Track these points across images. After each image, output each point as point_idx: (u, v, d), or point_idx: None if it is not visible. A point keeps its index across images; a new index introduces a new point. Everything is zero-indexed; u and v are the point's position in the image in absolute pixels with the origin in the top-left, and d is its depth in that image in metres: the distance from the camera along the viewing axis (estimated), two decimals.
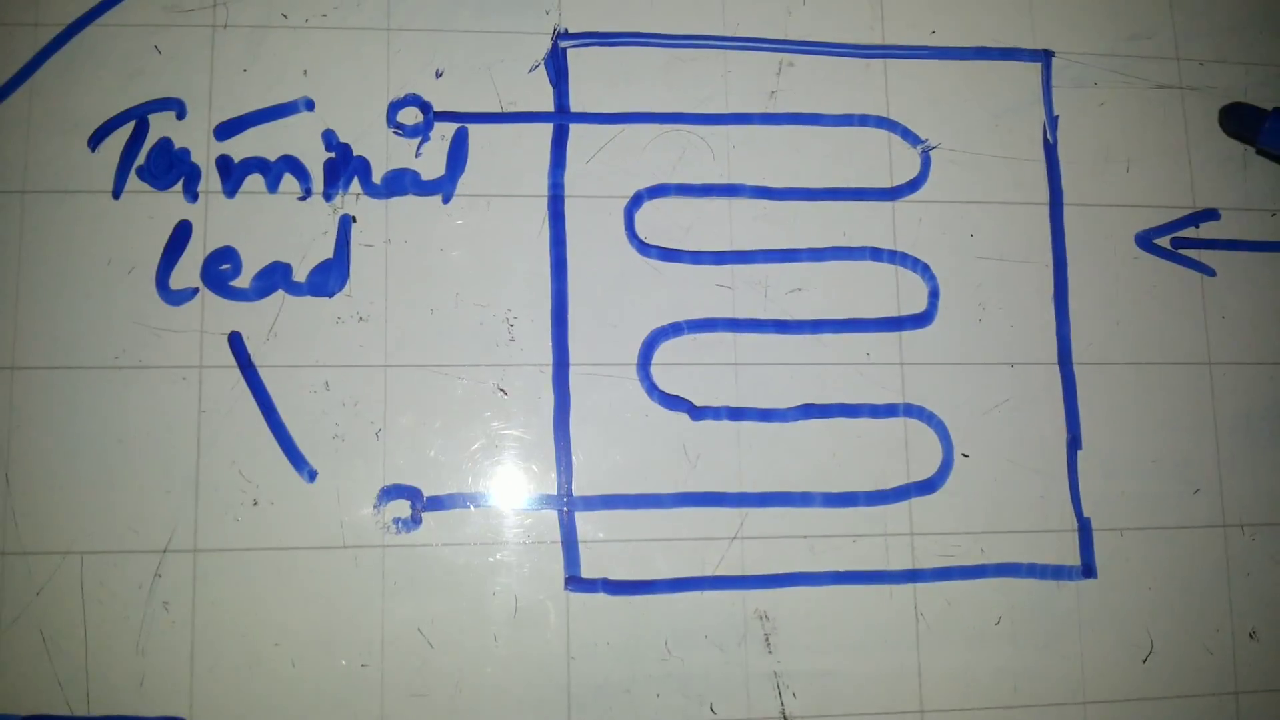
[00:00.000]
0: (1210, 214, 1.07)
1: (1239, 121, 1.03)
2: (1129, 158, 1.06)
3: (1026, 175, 1.04)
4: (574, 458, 0.94)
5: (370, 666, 0.89)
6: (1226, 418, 1.04)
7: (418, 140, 0.96)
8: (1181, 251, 1.06)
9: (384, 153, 0.96)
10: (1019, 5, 1.07)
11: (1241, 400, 1.05)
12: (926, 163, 1.03)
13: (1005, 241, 1.03)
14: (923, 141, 1.03)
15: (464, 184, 0.97)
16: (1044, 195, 1.04)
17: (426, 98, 0.97)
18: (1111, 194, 1.05)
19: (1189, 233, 1.06)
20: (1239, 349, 1.06)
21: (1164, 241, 1.06)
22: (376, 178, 0.95)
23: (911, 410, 0.99)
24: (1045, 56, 1.06)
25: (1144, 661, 0.99)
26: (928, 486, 0.98)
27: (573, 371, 0.95)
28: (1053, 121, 1.05)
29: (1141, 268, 1.05)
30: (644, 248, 0.98)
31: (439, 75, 0.98)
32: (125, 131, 0.94)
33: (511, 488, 0.93)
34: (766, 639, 0.94)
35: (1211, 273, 1.06)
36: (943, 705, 0.96)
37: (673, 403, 0.96)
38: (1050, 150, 1.05)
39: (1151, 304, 1.05)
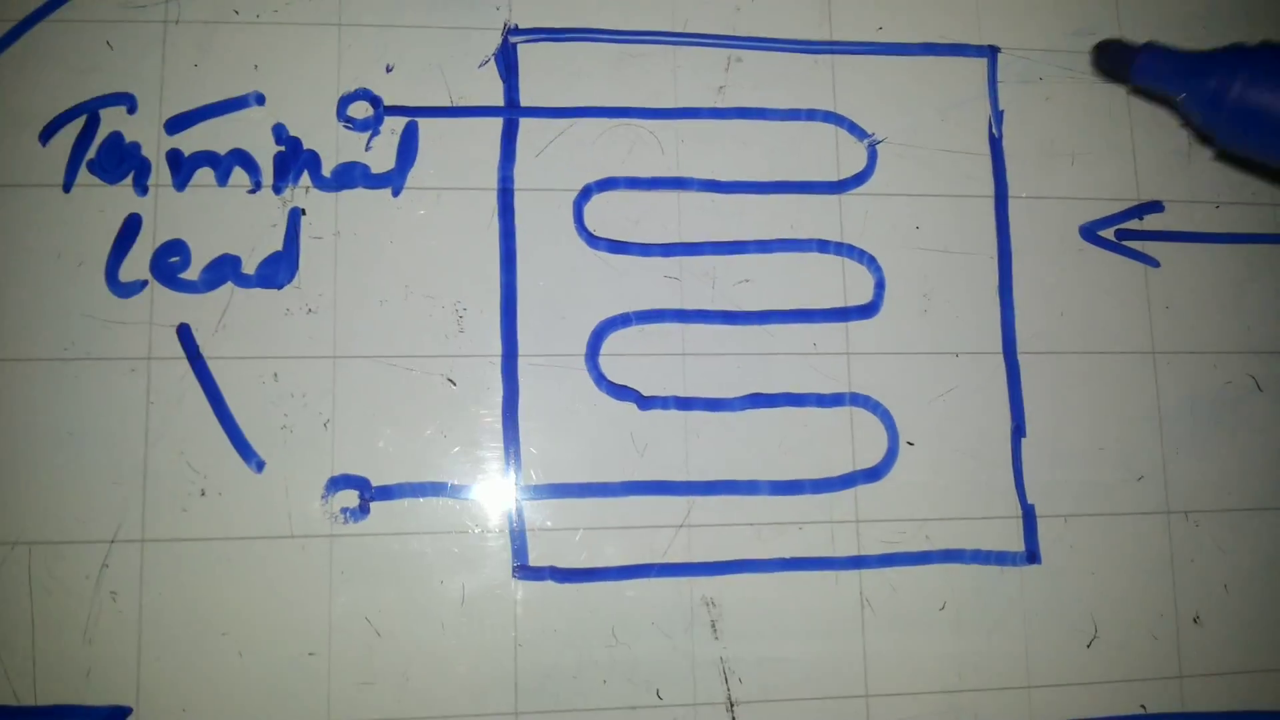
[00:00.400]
0: (1154, 206, 1.08)
1: (1111, 59, 1.00)
2: (1074, 151, 1.08)
3: (972, 169, 1.06)
4: (522, 447, 0.95)
5: (317, 655, 0.90)
6: (1170, 406, 1.06)
7: (368, 134, 0.97)
8: (1126, 243, 1.07)
9: (334, 146, 0.97)
10: (965, 2, 1.09)
11: (1185, 389, 1.06)
12: (873, 156, 1.04)
13: (951, 234, 1.04)
14: (869, 136, 1.04)
15: (414, 177, 0.98)
16: (989, 188, 1.06)
17: (377, 92, 0.98)
18: (1056, 187, 1.07)
19: (1133, 225, 1.08)
20: (1183, 339, 1.07)
21: (1108, 233, 1.07)
22: (326, 171, 0.96)
23: (858, 399, 1.00)
24: (991, 52, 1.08)
25: (1088, 646, 1.01)
26: (873, 474, 0.99)
27: (521, 362, 0.96)
28: (998, 116, 1.07)
29: (1086, 259, 1.06)
30: (593, 240, 0.99)
31: (389, 70, 0.99)
32: (76, 126, 0.95)
33: (460, 477, 0.94)
34: (713, 625, 0.95)
35: (1156, 264, 1.07)
36: (888, 689, 0.97)
37: (621, 392, 0.97)
38: (996, 144, 1.07)
39: (1096, 295, 1.06)
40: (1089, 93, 1.10)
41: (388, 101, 0.99)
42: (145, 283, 0.93)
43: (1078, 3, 1.11)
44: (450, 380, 0.96)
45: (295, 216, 0.96)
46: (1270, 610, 1.05)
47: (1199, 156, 1.11)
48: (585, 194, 1.00)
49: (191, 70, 0.97)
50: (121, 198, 0.95)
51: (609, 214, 1.00)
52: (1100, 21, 1.11)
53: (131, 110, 0.96)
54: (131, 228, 0.94)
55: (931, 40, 1.08)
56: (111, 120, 0.96)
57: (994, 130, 1.07)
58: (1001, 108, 1.08)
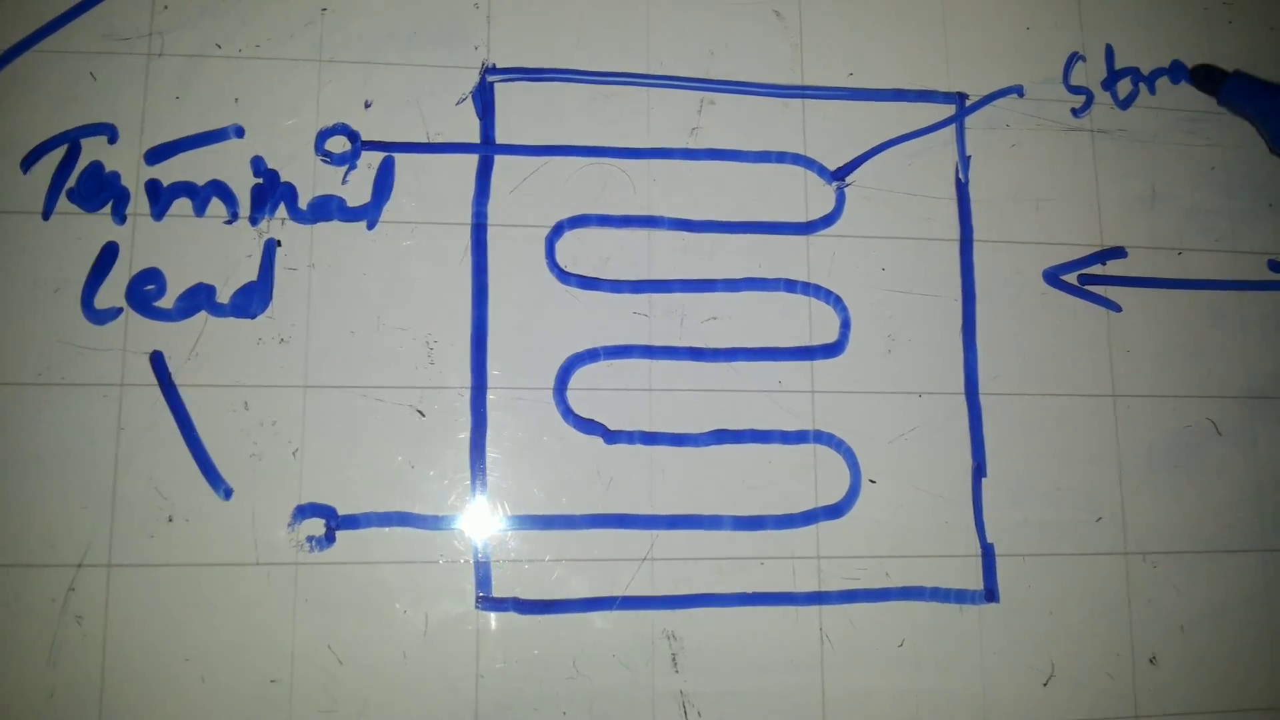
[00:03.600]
0: (1117, 252, 1.10)
1: (1204, 80, 1.14)
2: (1039, 197, 1.10)
3: (938, 212, 1.08)
4: (489, 478, 0.97)
5: (280, 682, 0.91)
6: (1130, 449, 1.07)
7: (345, 168, 0.99)
8: (1088, 288, 1.09)
9: (311, 179, 0.99)
10: (935, 49, 1.11)
11: (1145, 432, 1.08)
12: (841, 199, 1.06)
13: (916, 276, 1.06)
14: (838, 179, 1.06)
15: (389, 211, 0.99)
16: (955, 232, 1.08)
17: (355, 127, 1.00)
18: (1021, 231, 1.09)
19: (1096, 270, 1.10)
20: (1143, 383, 1.09)
21: (1071, 278, 1.09)
22: (303, 203, 0.98)
23: (821, 437, 1.02)
24: (959, 99, 1.10)
25: (1045, 685, 1.02)
26: (835, 511, 1.01)
27: (490, 394, 0.98)
28: (965, 161, 1.09)
29: (1049, 303, 1.08)
30: (564, 276, 1.01)
31: (368, 106, 1.01)
32: (57, 155, 0.96)
33: (426, 507, 0.96)
34: (674, 659, 0.97)
35: (1118, 308, 1.09)
36: None
37: (588, 426, 0.99)
38: (962, 189, 1.09)
39: (1058, 338, 1.08)
40: (1055, 140, 1.12)
41: (365, 136, 1.01)
42: (120, 310, 0.95)
43: (1044, 51, 1.14)
44: (419, 411, 0.97)
45: (270, 247, 0.97)
46: (1226, 651, 1.07)
47: (1162, 203, 1.13)
48: (557, 230, 1.02)
49: (173, 102, 0.99)
50: (100, 226, 0.96)
51: (580, 250, 1.02)
52: (1066, 70, 1.13)
53: (112, 140, 0.98)
54: (109, 256, 0.95)
55: (901, 86, 1.10)
56: (92, 150, 0.97)
57: (960, 175, 1.09)
58: (968, 153, 1.10)
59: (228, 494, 0.93)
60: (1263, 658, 1.07)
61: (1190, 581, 1.07)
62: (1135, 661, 1.04)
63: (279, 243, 0.97)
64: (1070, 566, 1.05)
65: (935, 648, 1.01)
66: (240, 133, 0.99)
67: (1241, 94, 1.12)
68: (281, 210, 0.98)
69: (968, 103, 1.10)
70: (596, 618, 0.97)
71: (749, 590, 0.99)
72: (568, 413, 0.99)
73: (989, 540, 1.03)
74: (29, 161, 0.96)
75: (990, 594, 1.02)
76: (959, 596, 1.02)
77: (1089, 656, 1.04)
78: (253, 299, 0.96)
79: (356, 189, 0.99)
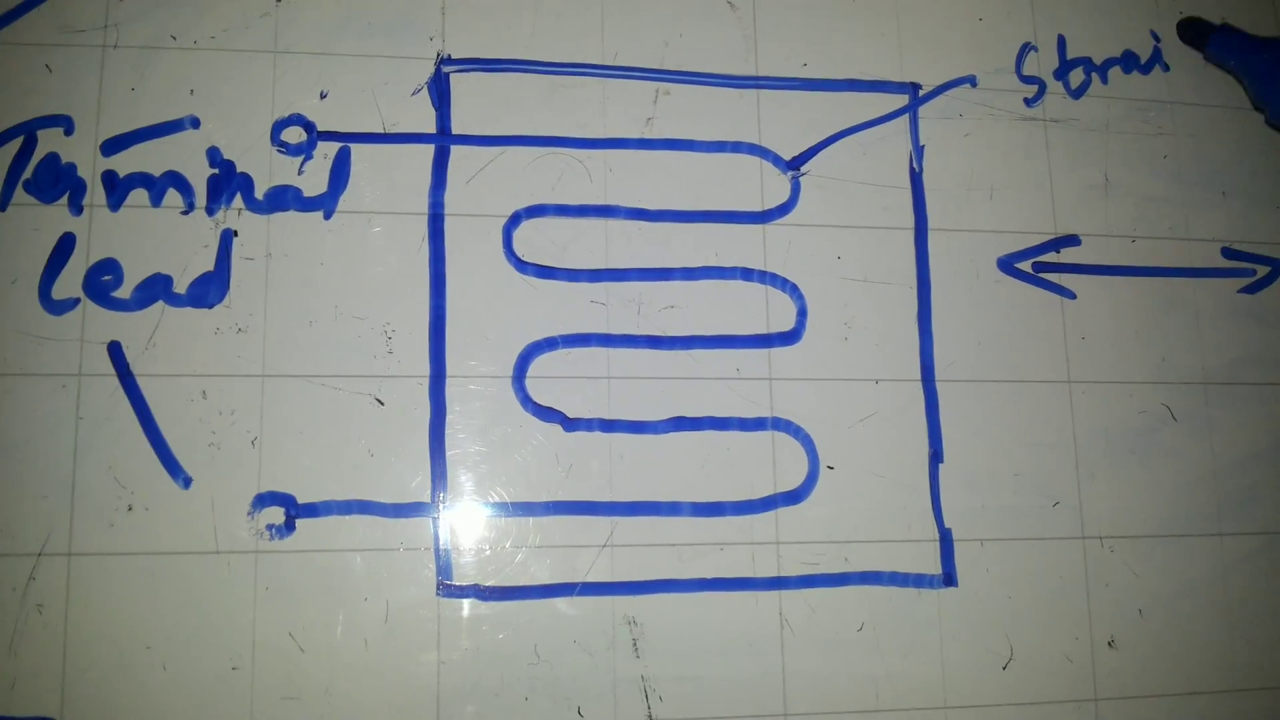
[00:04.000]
0: (1071, 240, 1.12)
1: (1191, 33, 1.17)
2: (992, 185, 1.11)
3: (893, 201, 1.09)
4: (448, 466, 0.97)
5: (241, 670, 0.92)
6: (1085, 434, 1.09)
7: (301, 158, 1.00)
8: (1042, 275, 1.11)
9: (267, 170, 0.99)
10: (888, 40, 1.12)
11: (1100, 418, 1.09)
12: (796, 188, 1.07)
13: (871, 264, 1.07)
14: (793, 168, 1.07)
15: (346, 201, 1.00)
16: (909, 220, 1.09)
17: (310, 118, 1.01)
18: (975, 220, 1.10)
19: (1050, 257, 1.11)
20: (1098, 369, 1.10)
21: (1026, 265, 1.10)
22: (259, 194, 0.98)
23: (779, 424, 1.03)
24: (913, 89, 1.11)
25: (1004, 668, 1.03)
26: (794, 497, 1.02)
27: (449, 383, 0.99)
28: (919, 151, 1.10)
29: (1003, 290, 1.10)
30: (521, 265, 1.01)
31: (324, 96, 1.01)
32: (13, 146, 0.97)
33: (386, 495, 0.96)
34: (635, 644, 0.97)
35: (1072, 295, 1.11)
36: (806, 709, 0.99)
37: (546, 414, 0.99)
38: (916, 178, 1.10)
39: (1013, 325, 1.09)
40: (1008, 129, 1.13)
41: (321, 127, 1.01)
42: (78, 300, 0.95)
43: (997, 42, 1.15)
44: (378, 400, 0.98)
45: (227, 238, 0.98)
46: (1183, 634, 1.08)
47: (1116, 192, 1.15)
48: (514, 220, 1.03)
49: (128, 94, 0.99)
50: (56, 217, 0.96)
51: (537, 240, 1.03)
52: (1019, 60, 1.15)
53: (69, 132, 0.98)
54: (66, 246, 0.96)
55: (855, 77, 1.11)
56: (49, 141, 0.98)
57: (915, 164, 1.11)
58: (922, 143, 1.11)
59: (187, 483, 0.93)
60: (1220, 640, 1.08)
61: (1148, 565, 1.08)
62: (1094, 644, 1.06)
63: (236, 233, 0.98)
64: (1028, 551, 1.06)
65: (894, 631, 1.02)
66: (196, 124, 0.99)
67: (1229, 47, 1.15)
68: (238, 200, 0.98)
69: (921, 93, 1.11)
70: (558, 604, 0.97)
71: (709, 576, 1.00)
72: (527, 401, 0.99)
73: (947, 525, 1.04)
74: None
75: (948, 578, 1.03)
76: (917, 581, 1.03)
77: (1047, 640, 1.05)
78: (210, 289, 0.96)
79: (313, 179, 1.00)
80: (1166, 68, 1.18)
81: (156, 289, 0.96)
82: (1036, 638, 1.05)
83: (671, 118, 1.07)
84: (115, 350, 0.94)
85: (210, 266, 0.97)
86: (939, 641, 1.03)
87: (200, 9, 1.01)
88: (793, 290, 1.05)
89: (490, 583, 0.97)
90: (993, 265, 1.10)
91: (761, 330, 1.04)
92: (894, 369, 1.06)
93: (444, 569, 0.96)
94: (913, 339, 1.07)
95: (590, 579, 0.98)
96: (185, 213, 0.98)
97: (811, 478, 1.03)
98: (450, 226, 1.01)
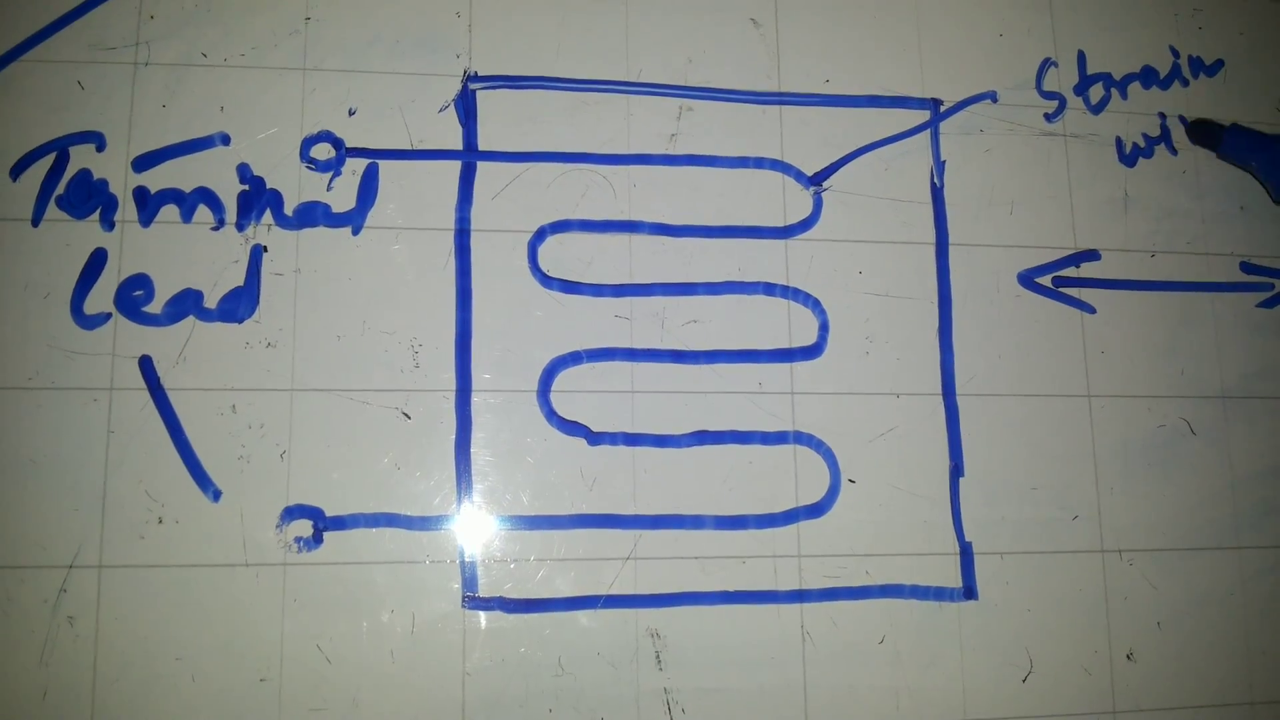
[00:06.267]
0: (1091, 254, 1.12)
1: (1203, 134, 1.16)
2: (1013, 200, 1.12)
3: (914, 216, 1.10)
4: (474, 479, 0.98)
5: (269, 681, 0.93)
6: (1105, 448, 1.09)
7: (329, 175, 1.01)
8: (1062, 290, 1.11)
9: (296, 186, 1.00)
10: (909, 56, 1.13)
11: (1119, 431, 1.10)
12: (818, 204, 1.08)
13: (892, 279, 1.08)
14: (816, 184, 1.08)
15: (373, 217, 1.01)
16: (930, 235, 1.10)
17: (339, 134, 1.02)
18: (995, 235, 1.11)
19: (1070, 272, 1.12)
20: (1117, 383, 1.11)
21: (1046, 280, 1.11)
22: (288, 210, 0.99)
23: (801, 438, 1.04)
24: (934, 104, 1.12)
25: (1023, 681, 1.04)
26: (815, 510, 1.03)
27: (475, 397, 1.00)
28: (940, 166, 1.11)
29: (1024, 305, 1.10)
30: (546, 280, 1.02)
31: (352, 113, 1.02)
32: (46, 163, 0.98)
33: (412, 508, 0.97)
34: (658, 656, 0.98)
35: (1092, 310, 1.11)
36: None
37: (571, 428, 1.00)
38: (937, 193, 1.11)
39: (1033, 339, 1.10)
40: (1028, 144, 1.14)
41: (350, 144, 1.02)
42: (109, 315, 0.96)
43: (1017, 58, 1.16)
44: (405, 414, 0.99)
45: (257, 253, 0.99)
46: (1201, 647, 1.09)
47: (1135, 207, 1.15)
48: (540, 235, 1.04)
49: (159, 110, 1.00)
50: (88, 232, 0.98)
51: (562, 255, 1.04)
52: (1039, 77, 1.15)
53: (100, 148, 0.99)
54: (97, 262, 0.97)
55: (876, 93, 1.12)
56: (81, 158, 0.99)
57: (935, 180, 1.11)
58: (943, 158, 1.12)
59: (216, 496, 0.94)
60: (1238, 653, 1.09)
61: (1166, 578, 1.08)
62: (1113, 657, 1.06)
63: (265, 248, 0.99)
64: (1048, 564, 1.07)
65: (915, 644, 1.03)
66: (226, 140, 1.00)
67: (1241, 146, 1.15)
68: (268, 216, 0.99)
69: (942, 108, 1.12)
70: (581, 616, 0.98)
71: (731, 588, 1.01)
72: (551, 414, 1.00)
73: (967, 539, 1.05)
74: (18, 169, 0.97)
75: (969, 591, 1.04)
76: (938, 594, 1.04)
77: (1067, 652, 1.06)
78: (240, 304, 0.97)
79: (341, 195, 1.01)
80: (1186, 83, 1.19)
81: (187, 304, 0.97)
82: (1056, 650, 1.06)
83: (695, 134, 1.08)
84: (146, 364, 0.95)
85: (240, 282, 0.98)
86: (959, 654, 1.03)
87: (229, 27, 1.02)
88: (814, 305, 1.06)
89: (515, 595, 0.98)
90: (1013, 280, 1.11)
91: (784, 344, 1.05)
92: (915, 383, 1.07)
93: (469, 581, 0.97)
94: (933, 353, 1.08)
95: (614, 591, 0.99)
96: (215, 229, 0.99)
97: (833, 491, 1.03)
98: (476, 242, 1.02)
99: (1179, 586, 1.09)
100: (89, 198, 0.98)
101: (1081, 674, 1.06)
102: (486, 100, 1.05)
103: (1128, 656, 1.06)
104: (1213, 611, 1.10)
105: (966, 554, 1.05)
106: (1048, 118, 1.15)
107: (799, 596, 1.01)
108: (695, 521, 1.01)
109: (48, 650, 0.91)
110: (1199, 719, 1.08)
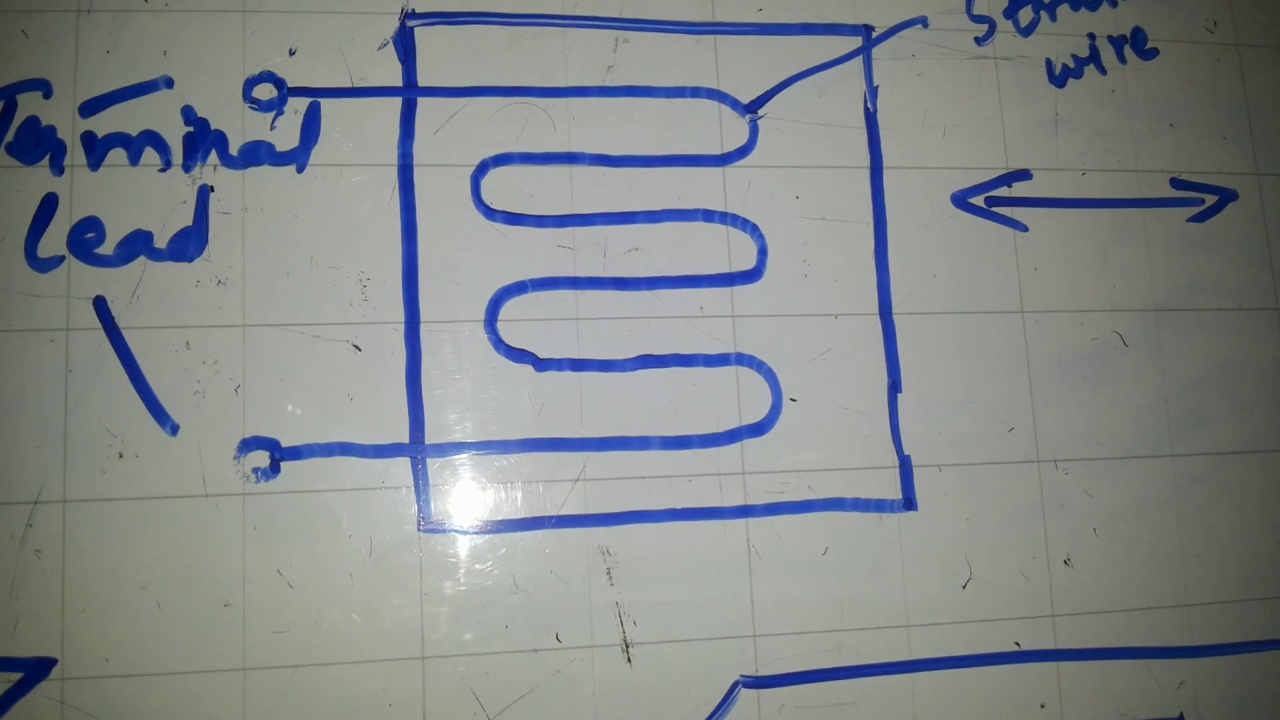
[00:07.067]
0: (1022, 174, 1.15)
1: None
2: (945, 124, 1.15)
3: (849, 141, 1.12)
4: (425, 408, 1.01)
5: (232, 606, 0.96)
6: (1039, 362, 1.13)
7: (273, 114, 1.03)
8: (995, 209, 1.14)
9: (240, 126, 1.02)
10: None
11: (1052, 346, 1.14)
12: (754, 131, 1.11)
13: (829, 203, 1.11)
14: (751, 111, 1.11)
15: (317, 155, 1.03)
16: (865, 160, 1.12)
17: (281, 74, 1.04)
18: (929, 157, 1.14)
19: (1002, 192, 1.15)
20: (1050, 298, 1.14)
21: (979, 200, 1.14)
22: (233, 150, 1.02)
23: (743, 359, 1.07)
24: (866, 31, 1.14)
25: (964, 587, 1.08)
26: (758, 429, 1.06)
27: (423, 328, 1.02)
28: (873, 91, 1.14)
29: (957, 225, 1.14)
30: (489, 212, 1.05)
31: (293, 53, 1.04)
32: None
33: (366, 437, 1.00)
34: (609, 572, 1.02)
35: (1024, 228, 1.15)
36: (774, 629, 1.04)
37: (518, 356, 1.03)
38: (871, 118, 1.13)
39: (967, 258, 1.13)
40: (960, 68, 1.17)
41: (291, 83, 1.04)
42: (63, 258, 0.98)
43: None
44: (355, 346, 1.01)
45: (204, 193, 1.01)
46: (1137, 552, 1.13)
47: (1065, 127, 1.18)
48: (482, 169, 1.06)
49: (103, 56, 1.02)
50: (39, 178, 0.99)
51: (505, 188, 1.06)
52: (966, 1, 1.18)
53: (47, 95, 1.01)
54: (49, 206, 0.99)
55: (809, 20, 1.14)
56: (28, 105, 1.00)
57: (869, 105, 1.14)
58: (876, 83, 1.14)
59: (174, 430, 0.97)
60: (1173, 557, 1.13)
61: (1101, 486, 1.12)
62: (1050, 563, 1.10)
63: (212, 188, 1.01)
64: (985, 475, 1.10)
65: (857, 555, 1.07)
66: (170, 84, 1.02)
67: None
68: (213, 157, 1.01)
69: (874, 35, 1.14)
70: (534, 536, 1.02)
71: (678, 506, 1.04)
72: (499, 343, 1.03)
73: (906, 452, 1.09)
74: None
75: (909, 503, 1.08)
76: (879, 506, 1.07)
77: (1005, 559, 1.10)
78: (189, 243, 1.00)
79: (285, 134, 1.03)
80: (1114, 3, 1.21)
81: (138, 245, 0.99)
82: (995, 558, 1.10)
83: (631, 65, 1.10)
84: (101, 305, 0.98)
85: (189, 221, 1.00)
86: (900, 563, 1.07)
87: None
88: (753, 230, 1.09)
89: (469, 517, 1.01)
90: (946, 201, 1.13)
91: (724, 270, 1.08)
92: (853, 303, 1.10)
93: (424, 506, 1.00)
94: (870, 274, 1.11)
95: (565, 512, 1.02)
96: (163, 170, 1.01)
97: (775, 410, 1.07)
98: (420, 177, 1.04)
99: (1114, 494, 1.13)
100: (38, 144, 0.99)
101: (1020, 579, 1.10)
102: (425, 37, 1.07)
103: (1065, 562, 1.10)
104: (1148, 518, 1.14)
105: (906, 467, 1.09)
106: (978, 41, 1.17)
107: (744, 512, 1.05)
108: (642, 443, 1.04)
109: (16, 583, 0.94)
110: (1135, 620, 1.12)
